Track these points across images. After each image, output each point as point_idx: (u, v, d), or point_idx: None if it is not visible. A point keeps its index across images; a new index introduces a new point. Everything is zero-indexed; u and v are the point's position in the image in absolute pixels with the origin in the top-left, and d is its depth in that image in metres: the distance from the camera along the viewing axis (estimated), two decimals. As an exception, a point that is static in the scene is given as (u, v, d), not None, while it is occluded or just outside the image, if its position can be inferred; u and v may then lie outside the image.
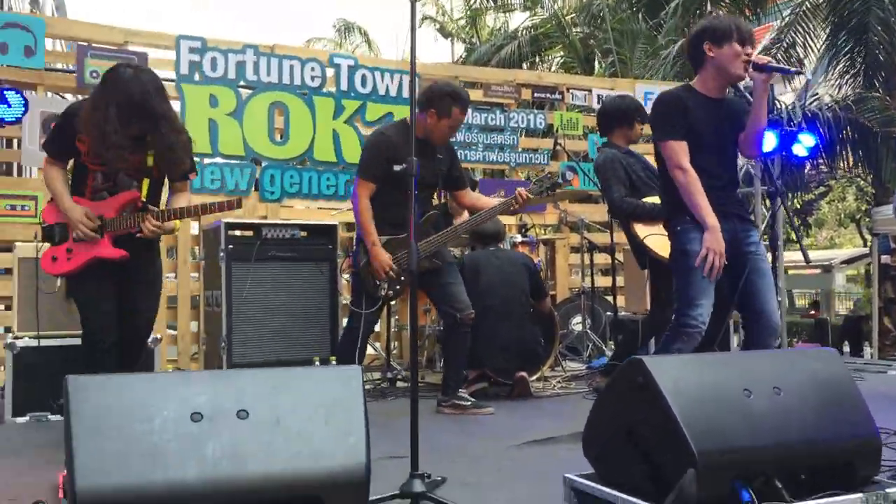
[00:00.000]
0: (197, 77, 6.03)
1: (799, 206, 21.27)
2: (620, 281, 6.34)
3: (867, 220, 10.99)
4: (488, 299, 4.81)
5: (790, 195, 13.87)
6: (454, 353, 4.36)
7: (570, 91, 7.73)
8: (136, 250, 3.50)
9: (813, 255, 21.76)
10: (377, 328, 5.82)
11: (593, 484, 2.22)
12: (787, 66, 3.56)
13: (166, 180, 3.67)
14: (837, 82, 13.20)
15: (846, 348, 10.91)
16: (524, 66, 17.32)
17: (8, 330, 5.11)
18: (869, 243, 10.80)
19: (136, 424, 1.70)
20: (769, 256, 5.11)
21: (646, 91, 7.68)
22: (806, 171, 13.60)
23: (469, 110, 7.03)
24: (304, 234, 5.20)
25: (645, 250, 4.59)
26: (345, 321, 4.58)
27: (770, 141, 6.52)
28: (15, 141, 5.74)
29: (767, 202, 7.20)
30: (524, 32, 17.95)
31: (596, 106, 7.74)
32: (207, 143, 5.96)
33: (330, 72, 6.54)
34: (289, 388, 1.86)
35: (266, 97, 6.26)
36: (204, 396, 1.77)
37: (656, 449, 2.08)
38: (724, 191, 3.58)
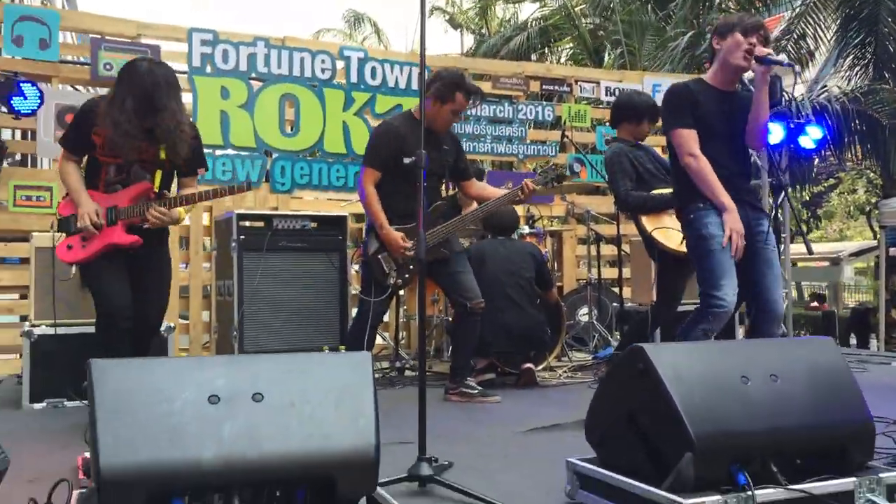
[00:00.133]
0: (209, 69, 6.11)
1: (808, 199, 21.25)
2: (627, 272, 6.40)
3: (876, 212, 10.96)
4: (494, 286, 4.87)
5: (798, 187, 13.88)
6: (464, 342, 4.43)
7: (579, 83, 7.77)
8: (148, 241, 3.61)
9: (821, 247, 21.78)
10: (386, 318, 5.90)
11: (595, 467, 2.30)
12: (781, 59, 3.63)
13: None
14: (847, 74, 13.17)
15: (853, 340, 10.92)
16: (533, 57, 17.34)
17: (25, 318, 5.20)
18: (878, 235, 10.78)
19: (156, 406, 1.77)
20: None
21: (654, 83, 7.72)
22: (815, 163, 13.58)
23: (477, 102, 7.14)
24: (314, 224, 5.27)
25: (654, 243, 4.65)
26: (354, 311, 4.66)
27: (777, 133, 6.55)
28: (30, 132, 5.83)
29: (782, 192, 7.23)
30: (533, 24, 17.97)
31: (604, 98, 7.79)
32: (219, 135, 6.05)
33: (340, 64, 6.61)
34: (302, 372, 1.94)
35: (277, 89, 6.33)
36: (221, 380, 1.84)
37: (656, 433, 2.14)
38: (734, 180, 3.64)
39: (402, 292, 5.94)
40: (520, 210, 6.54)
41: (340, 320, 5.19)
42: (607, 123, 7.53)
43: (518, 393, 4.72)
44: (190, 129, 3.64)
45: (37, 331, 4.25)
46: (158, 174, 3.64)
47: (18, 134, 6.81)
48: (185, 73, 5.90)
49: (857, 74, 12.93)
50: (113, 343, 3.51)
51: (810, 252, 4.81)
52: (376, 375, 5.16)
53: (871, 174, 17.23)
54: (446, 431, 3.49)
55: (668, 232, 4.47)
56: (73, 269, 3.64)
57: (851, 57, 12.95)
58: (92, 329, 3.73)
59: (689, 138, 3.58)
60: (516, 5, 22.34)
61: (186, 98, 4.90)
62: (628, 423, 2.22)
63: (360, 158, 6.30)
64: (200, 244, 6.13)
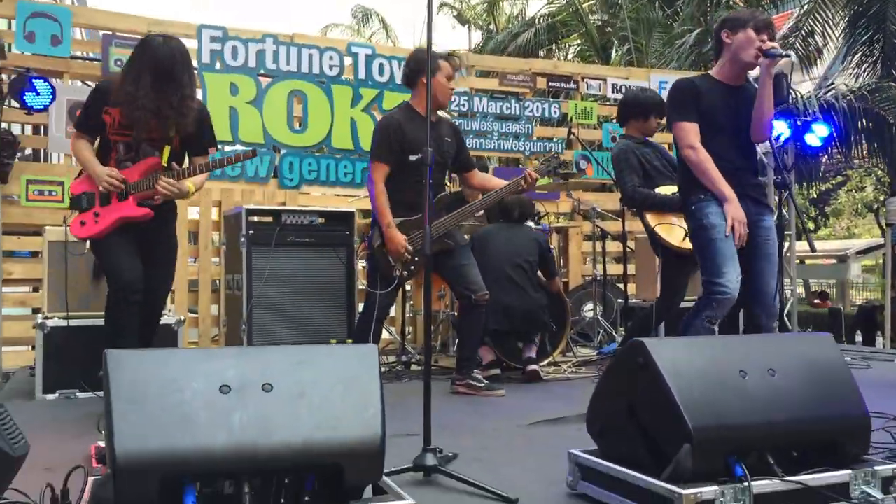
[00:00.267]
0: (218, 66, 6.17)
1: (816, 196, 21.21)
2: (632, 269, 6.43)
3: (884, 209, 10.95)
4: (495, 267, 4.94)
5: (805, 184, 13.87)
6: (469, 334, 4.48)
7: (585, 80, 7.80)
8: (157, 219, 3.74)
9: (829, 244, 21.75)
10: (392, 313, 5.95)
11: (595, 459, 2.34)
12: (786, 52, 3.67)
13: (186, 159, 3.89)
14: (855, 72, 13.14)
15: (859, 338, 10.92)
16: (541, 53, 17.35)
17: (37, 311, 5.28)
18: (885, 233, 10.79)
19: (169, 395, 1.83)
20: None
21: (660, 80, 7.74)
22: (823, 160, 13.56)
23: (484, 99, 7.20)
24: (321, 220, 5.32)
25: (657, 239, 4.69)
26: (361, 306, 4.71)
27: (783, 130, 6.57)
28: (42, 128, 5.89)
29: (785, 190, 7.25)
30: (541, 20, 17.97)
31: (611, 95, 7.83)
32: (228, 131, 6.10)
33: (348, 60, 6.66)
34: (310, 364, 1.99)
35: (285, 85, 6.38)
36: (232, 371, 1.90)
37: (655, 426, 2.19)
38: (738, 173, 3.68)
39: (408, 287, 6.01)
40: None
41: (348, 314, 5.24)
42: (614, 120, 7.58)
43: (523, 387, 4.77)
44: (198, 105, 3.78)
45: (50, 323, 4.32)
46: (166, 150, 3.75)
47: (29, 129, 6.88)
48: (194, 69, 5.94)
49: (865, 72, 12.90)
50: (122, 320, 3.61)
51: (813, 250, 4.84)
52: (383, 369, 5.21)
53: (880, 171, 17.19)
54: (452, 424, 3.55)
55: (672, 228, 4.51)
56: (87, 244, 3.74)
57: (859, 54, 12.92)
58: (103, 322, 3.79)
59: (690, 131, 3.63)
60: (524, 1, 22.36)
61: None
62: (628, 416, 2.27)
63: (367, 154, 6.35)
64: (210, 239, 6.19)
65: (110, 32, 5.94)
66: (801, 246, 7.88)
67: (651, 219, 4.72)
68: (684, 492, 1.99)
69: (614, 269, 7.58)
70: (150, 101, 3.53)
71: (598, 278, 6.66)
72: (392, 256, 4.27)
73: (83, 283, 4.42)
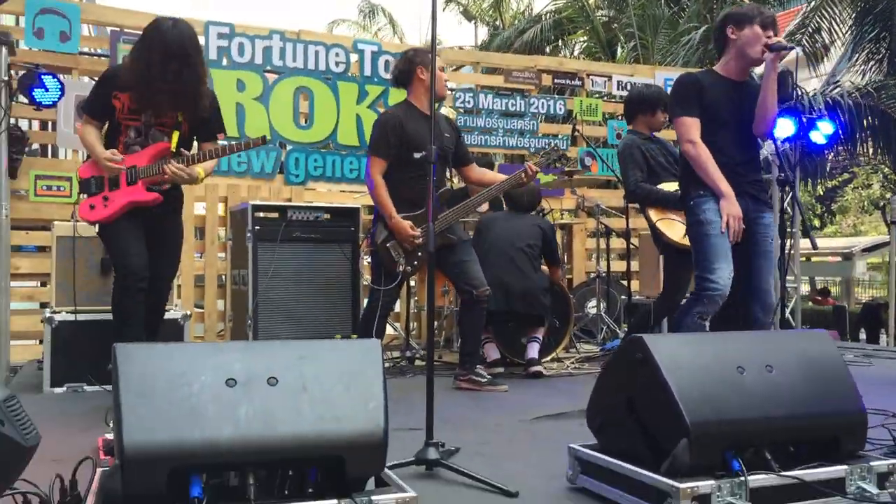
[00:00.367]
0: (225, 62, 6.20)
1: (822, 193, 21.16)
2: (635, 265, 6.46)
3: (890, 207, 10.92)
4: (496, 248, 4.99)
5: (811, 181, 13.85)
6: (471, 329, 4.51)
7: (591, 77, 7.81)
8: (165, 206, 3.78)
9: (834, 242, 21.67)
10: (397, 308, 6.00)
11: (595, 453, 2.38)
12: (790, 45, 3.69)
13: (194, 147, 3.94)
14: (862, 69, 13.12)
15: (863, 335, 10.92)
16: (547, 50, 17.36)
17: (45, 305, 5.32)
18: (890, 231, 10.74)
19: (176, 388, 1.87)
20: (776, 244, 5.22)
21: (665, 77, 7.75)
22: (829, 157, 13.54)
23: (490, 95, 7.24)
24: (327, 216, 5.37)
25: (658, 234, 4.72)
26: (365, 301, 4.75)
27: (788, 128, 6.58)
28: (50, 123, 5.94)
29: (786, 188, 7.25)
30: (547, 16, 17.97)
31: (616, 92, 7.84)
32: (235, 127, 6.13)
33: (354, 57, 6.68)
34: (314, 358, 2.03)
35: (291, 82, 6.42)
36: (238, 364, 1.94)
37: (653, 420, 2.22)
38: (738, 169, 3.70)
39: (412, 283, 6.04)
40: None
41: (352, 310, 5.29)
42: (619, 118, 7.60)
43: (526, 383, 4.81)
44: (207, 90, 3.81)
45: (57, 317, 4.36)
46: (175, 135, 3.77)
47: (37, 125, 6.92)
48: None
49: (871, 69, 12.88)
50: (128, 308, 3.65)
51: (815, 247, 4.85)
52: (387, 365, 5.27)
53: (886, 168, 17.14)
54: (454, 418, 3.58)
55: (673, 224, 4.55)
56: (96, 227, 3.78)
57: (866, 52, 12.90)
58: (111, 316, 3.82)
59: (691, 126, 3.65)
60: (530, -3, 22.37)
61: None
62: (627, 411, 2.30)
63: (372, 151, 6.43)
64: (216, 234, 6.24)
65: (118, 29, 5.99)
66: (806, 243, 7.89)
67: (653, 214, 4.75)
68: (681, 485, 2.02)
69: (618, 265, 7.60)
70: (166, 84, 3.56)
71: (602, 275, 6.69)
72: (402, 243, 4.30)
73: (91, 278, 4.47)
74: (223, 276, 6.08)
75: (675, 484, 2.03)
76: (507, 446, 3.17)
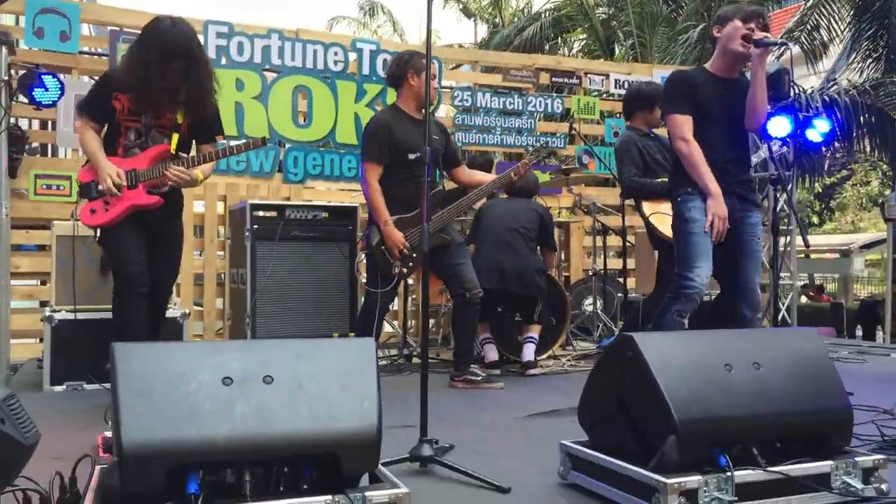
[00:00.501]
0: (224, 61, 6.23)
1: (820, 190, 21.18)
2: (632, 263, 6.50)
3: (889, 204, 10.96)
4: (492, 230, 5.05)
5: (808, 179, 13.87)
6: (464, 330, 4.55)
7: (588, 76, 7.84)
8: (166, 210, 3.80)
9: (832, 239, 21.69)
10: (395, 306, 6.04)
11: (585, 449, 2.42)
12: (776, 40, 3.73)
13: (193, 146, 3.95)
14: (859, 66, 13.13)
15: (859, 332, 10.96)
16: (546, 47, 17.36)
17: (45, 304, 5.36)
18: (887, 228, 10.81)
19: (174, 387, 1.90)
20: (769, 242, 5.26)
21: (663, 76, 7.66)
22: (827, 155, 13.56)
23: (488, 94, 7.27)
24: (325, 215, 5.40)
25: (652, 229, 4.75)
26: (362, 300, 4.79)
27: (784, 126, 6.60)
28: (50, 122, 5.97)
29: (779, 187, 7.28)
30: (546, 14, 17.98)
31: (613, 90, 7.88)
32: (233, 126, 6.17)
33: (352, 56, 6.72)
34: (310, 357, 2.07)
35: (290, 81, 6.45)
36: (234, 363, 1.97)
37: (643, 418, 2.26)
38: (727, 167, 3.74)
39: (410, 281, 6.08)
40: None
41: (350, 308, 5.32)
42: (616, 116, 7.63)
43: (521, 380, 4.85)
44: (214, 89, 3.80)
45: (57, 316, 4.39)
46: (175, 137, 3.78)
47: (37, 124, 6.94)
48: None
49: (869, 67, 12.89)
50: (129, 312, 3.67)
51: (807, 245, 4.90)
52: (385, 363, 5.31)
53: (885, 166, 17.17)
54: (449, 416, 3.62)
55: (664, 218, 4.57)
56: (97, 232, 3.77)
57: (864, 49, 12.91)
58: (111, 315, 3.86)
59: (684, 124, 3.69)
60: (530, -6, 22.37)
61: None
62: (618, 408, 2.34)
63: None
64: (215, 232, 6.27)
65: (118, 28, 6.02)
66: (800, 241, 7.92)
67: (646, 208, 4.78)
68: (669, 481, 2.06)
69: (615, 263, 7.64)
70: (165, 83, 3.56)
71: (599, 273, 6.73)
72: (391, 254, 4.34)
73: (91, 277, 4.51)
74: (222, 275, 6.12)
75: (663, 479, 2.07)
76: (502, 443, 3.21)
